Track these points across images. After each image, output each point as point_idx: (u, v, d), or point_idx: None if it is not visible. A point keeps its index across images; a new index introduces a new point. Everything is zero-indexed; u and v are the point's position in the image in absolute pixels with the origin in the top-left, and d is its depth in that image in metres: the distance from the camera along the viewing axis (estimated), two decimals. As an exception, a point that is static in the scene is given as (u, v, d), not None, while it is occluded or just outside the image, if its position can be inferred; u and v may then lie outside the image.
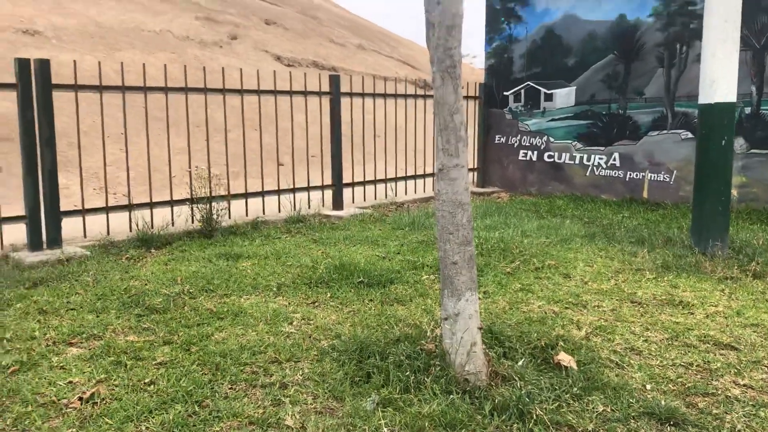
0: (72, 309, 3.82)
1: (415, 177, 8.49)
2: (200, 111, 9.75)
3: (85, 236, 5.50)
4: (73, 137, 9.54)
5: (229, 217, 6.38)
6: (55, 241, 5.12)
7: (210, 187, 6.07)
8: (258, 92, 6.55)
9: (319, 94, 7.14)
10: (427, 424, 2.42)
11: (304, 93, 6.95)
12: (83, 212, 5.45)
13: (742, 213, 7.02)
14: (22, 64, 4.89)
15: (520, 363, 2.91)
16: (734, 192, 7.17)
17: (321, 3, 29.19)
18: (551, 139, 8.78)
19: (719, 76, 4.99)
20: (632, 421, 2.51)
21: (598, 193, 8.35)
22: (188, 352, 3.16)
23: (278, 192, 6.90)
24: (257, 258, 5.10)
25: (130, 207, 5.72)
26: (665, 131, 7.81)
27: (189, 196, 6.13)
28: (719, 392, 2.78)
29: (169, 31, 17.19)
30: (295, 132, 7.34)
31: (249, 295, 4.16)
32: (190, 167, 6.08)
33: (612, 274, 4.72)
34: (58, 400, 2.66)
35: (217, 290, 4.22)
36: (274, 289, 4.29)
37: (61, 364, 3.02)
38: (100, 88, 5.39)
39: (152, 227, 5.72)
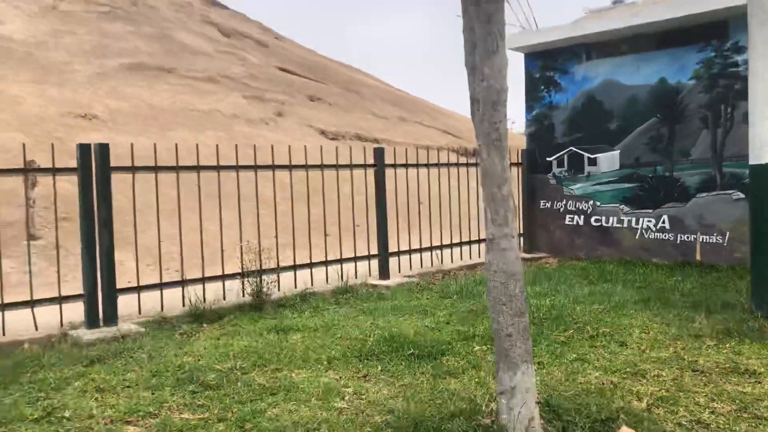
0: (128, 386, 3.88)
1: (461, 244, 8.49)
2: (248, 185, 10.01)
3: (139, 312, 5.62)
4: (127, 215, 9.86)
5: (279, 290, 6.44)
6: (112, 318, 5.25)
7: (260, 261, 6.17)
8: (306, 167, 6.72)
9: (365, 166, 7.29)
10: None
11: (350, 166, 7.10)
12: (138, 289, 5.59)
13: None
14: (83, 150, 5.15)
15: (580, 437, 2.82)
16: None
17: (362, 78, 30.05)
18: (597, 203, 8.71)
19: (768, 136, 4.93)
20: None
21: (649, 257, 8.19)
22: (242, 429, 3.16)
23: (326, 263, 6.97)
24: (307, 331, 5.12)
25: (183, 283, 5.84)
26: (715, 192, 7.69)
27: (240, 270, 6.23)
28: (796, 467, 2.64)
29: (218, 111, 17.88)
30: (341, 203, 7.46)
31: (300, 369, 4.16)
32: (241, 241, 6.21)
33: (670, 341, 4.58)
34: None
35: (268, 365, 4.23)
36: (325, 362, 4.28)
37: (119, 443, 3.05)
38: (156, 169, 5.61)
39: (204, 302, 5.81)
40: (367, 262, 7.42)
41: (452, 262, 8.37)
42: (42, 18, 21.28)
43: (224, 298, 6.08)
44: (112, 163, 5.36)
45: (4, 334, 4.92)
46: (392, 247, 7.65)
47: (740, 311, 5.20)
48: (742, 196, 7.41)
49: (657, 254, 8.14)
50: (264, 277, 6.11)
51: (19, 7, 21.33)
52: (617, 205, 8.53)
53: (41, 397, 3.72)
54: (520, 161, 9.40)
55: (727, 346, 4.39)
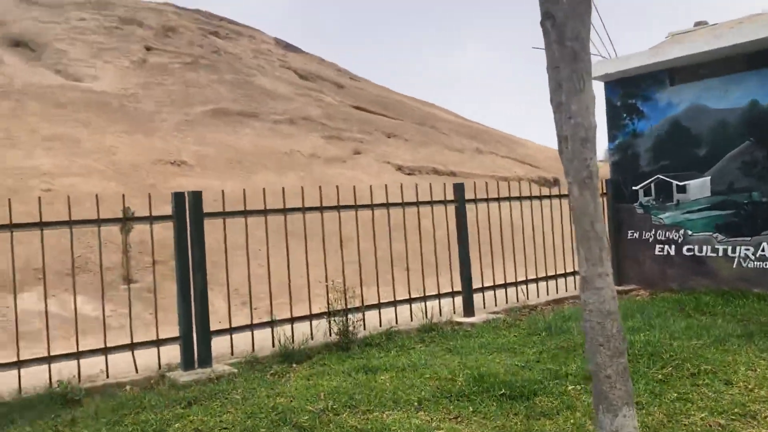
0: (225, 428, 3.97)
1: (546, 278, 8.32)
2: (329, 223, 10.20)
3: (232, 353, 5.77)
4: (216, 257, 10.21)
5: (364, 328, 6.48)
6: (206, 360, 5.41)
7: (345, 300, 6.24)
8: (387, 206, 6.80)
9: (445, 202, 7.30)
10: None
11: (431, 203, 7.13)
12: (230, 331, 5.75)
13: None
14: (178, 198, 5.40)
15: (690, 485, 2.69)
16: None
17: (437, 112, 30.25)
18: (689, 232, 8.37)
19: None
20: None
21: (749, 287, 7.77)
22: (338, 472, 3.17)
23: (409, 301, 6.97)
24: (395, 370, 5.11)
25: (272, 323, 5.97)
26: (819, 216, 7.25)
27: (326, 309, 6.32)
28: None
29: (298, 151, 18.37)
30: (422, 238, 7.48)
31: (390, 410, 4.15)
32: (326, 280, 6.31)
33: (780, 378, 4.31)
34: None
35: (359, 406, 4.25)
36: (415, 403, 4.26)
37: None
38: (245, 213, 5.81)
39: (293, 342, 5.91)
40: (450, 298, 7.37)
41: (538, 297, 8.20)
42: (132, 71, 22.61)
43: (312, 338, 6.17)
44: (203, 208, 5.58)
45: (107, 376, 5.16)
46: (476, 283, 7.58)
47: None
48: None
49: (758, 284, 7.72)
50: (349, 316, 6.17)
51: (112, 62, 22.74)
52: (710, 233, 8.18)
53: (144, 438, 3.86)
54: (604, 191, 9.18)
55: None
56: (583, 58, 2.69)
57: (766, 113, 7.68)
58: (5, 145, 14.68)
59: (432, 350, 5.80)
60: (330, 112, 23.20)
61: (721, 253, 8.08)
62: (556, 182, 20.87)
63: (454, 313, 7.36)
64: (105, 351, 5.17)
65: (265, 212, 5.98)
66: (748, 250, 7.83)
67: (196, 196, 5.50)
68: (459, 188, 7.41)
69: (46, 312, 5.09)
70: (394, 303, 6.83)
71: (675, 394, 4.08)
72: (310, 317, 6.23)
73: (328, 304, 6.25)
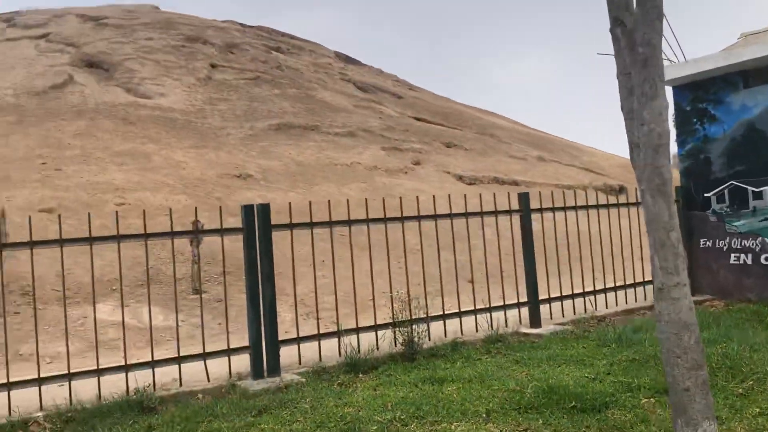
0: (295, 437, 4.03)
1: (615, 289, 8.12)
2: (391, 234, 10.24)
3: (299, 363, 5.85)
4: (280, 269, 10.39)
5: (429, 339, 6.47)
6: (275, 369, 5.51)
7: (410, 310, 6.24)
8: (450, 216, 6.79)
9: (509, 212, 7.23)
10: None
11: (495, 213, 7.07)
12: (298, 340, 5.84)
13: None
14: (247, 211, 5.53)
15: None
16: None
17: (497, 121, 30.03)
18: (767, 240, 8.04)
19: None
20: None
21: (833, 297, 7.39)
22: (409, 483, 3.17)
23: (474, 312, 6.92)
24: (461, 381, 5.08)
25: (338, 333, 6.03)
26: None
27: (390, 320, 6.34)
28: None
29: (359, 163, 18.54)
30: (486, 248, 7.42)
31: (459, 421, 4.13)
32: (390, 291, 6.33)
33: None
34: None
35: (427, 417, 4.24)
36: (483, 415, 4.23)
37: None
38: (311, 225, 5.90)
39: (359, 352, 5.95)
40: (516, 309, 7.28)
41: (606, 307, 8.00)
42: (198, 88, 23.32)
43: (377, 348, 6.19)
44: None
45: (180, 385, 5.31)
46: (541, 294, 7.47)
47: None
48: None
49: (842, 294, 7.34)
50: (414, 326, 6.17)
51: (180, 80, 23.52)
52: (790, 240, 7.82)
53: (218, 446, 3.95)
54: (676, 198, 8.91)
55: None
56: (654, 63, 2.64)
57: None
58: (80, 161, 15.36)
59: (498, 362, 5.74)
60: (389, 123, 23.36)
61: (801, 262, 7.72)
62: (622, 190, 20.38)
63: (520, 324, 7.26)
64: (178, 360, 5.33)
65: (330, 224, 6.06)
66: (831, 258, 7.45)
67: (265, 208, 5.62)
68: (524, 197, 7.33)
69: (123, 323, 5.29)
70: (459, 314, 6.79)
71: (757, 410, 3.91)
72: (375, 327, 6.26)
73: (393, 314, 6.27)
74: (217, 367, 5.65)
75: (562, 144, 27.36)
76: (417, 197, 6.97)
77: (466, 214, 6.89)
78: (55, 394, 5.00)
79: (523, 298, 7.34)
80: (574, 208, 7.74)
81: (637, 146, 2.76)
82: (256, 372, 5.47)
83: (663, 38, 2.74)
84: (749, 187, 8.20)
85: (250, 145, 18.61)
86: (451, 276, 9.05)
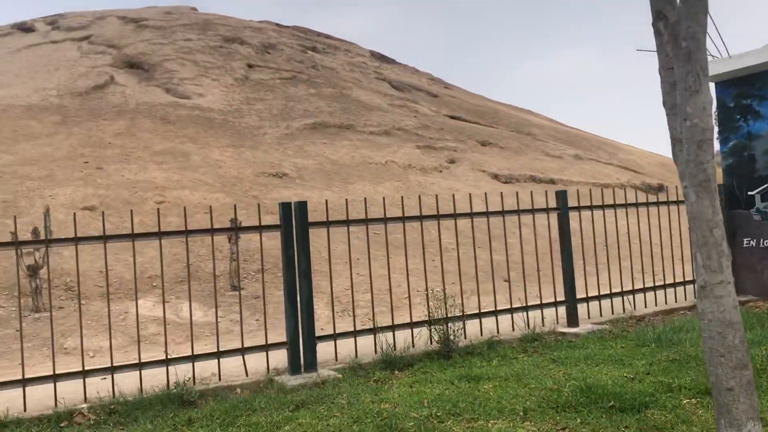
0: (332, 432, 4.07)
1: (654, 288, 7.99)
2: (426, 232, 10.25)
3: (336, 359, 5.89)
4: (317, 266, 10.48)
5: (465, 337, 6.45)
6: (312, 365, 5.56)
7: (446, 308, 6.24)
8: (486, 214, 6.76)
9: (547, 210, 7.17)
10: None
11: (532, 211, 7.02)
12: (334, 337, 5.88)
13: None
14: (285, 208, 5.59)
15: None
16: None
17: (533, 119, 29.77)
18: (813, 239, 7.82)
19: None
20: None
21: None
22: (446, 479, 3.17)
23: (511, 310, 6.88)
24: (498, 380, 5.06)
25: (374, 330, 6.06)
26: None
27: (426, 317, 6.34)
28: None
29: (393, 162, 18.56)
30: (521, 247, 7.37)
31: (496, 419, 4.12)
32: (426, 289, 6.33)
33: None
34: None
35: (463, 414, 4.23)
36: (521, 413, 4.20)
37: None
38: (347, 222, 5.93)
39: (395, 349, 5.97)
40: (553, 308, 7.22)
41: (646, 307, 7.88)
42: (236, 88, 23.61)
43: (413, 346, 6.20)
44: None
45: (219, 379, 5.39)
46: (579, 293, 7.39)
47: None
48: None
49: None
50: (450, 324, 6.16)
51: (218, 80, 23.84)
52: (838, 240, 7.60)
53: (256, 439, 4.01)
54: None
55: None
56: (698, 57, 2.60)
57: None
58: (121, 160, 15.69)
59: (535, 360, 5.70)
60: (424, 122, 23.33)
61: None
62: (661, 188, 20.04)
63: (557, 323, 7.20)
64: (218, 355, 5.42)
65: (366, 221, 6.08)
66: None
67: (302, 206, 5.67)
68: (562, 195, 7.26)
69: (164, 318, 5.39)
70: (495, 312, 6.76)
71: (803, 412, 3.82)
72: (411, 325, 6.27)
73: (429, 312, 6.27)
74: (255, 362, 5.72)
75: (599, 142, 27.00)
76: (453, 195, 6.96)
77: (503, 213, 6.85)
78: (99, 387, 5.13)
79: (560, 297, 7.27)
80: (613, 206, 7.63)
81: (680, 142, 2.72)
82: (294, 367, 5.53)
83: (707, 33, 2.69)
84: (795, 185, 8.00)
85: (286, 144, 18.78)
86: (486, 275, 9.02)
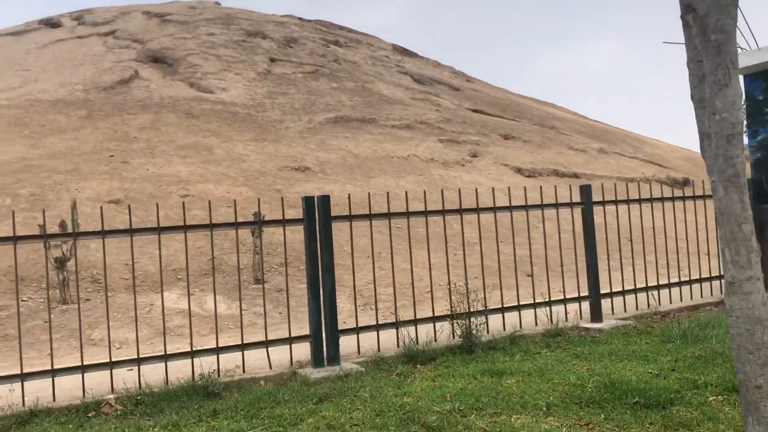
0: (355, 425, 4.09)
1: (680, 284, 7.90)
2: (448, 227, 10.22)
3: (358, 353, 5.92)
4: (338, 260, 10.52)
5: (488, 332, 6.44)
6: (335, 358, 5.59)
7: (468, 303, 6.23)
8: (510, 208, 6.73)
9: (571, 205, 7.12)
10: None
11: (556, 205, 6.97)
12: (357, 330, 5.90)
13: None
14: (308, 202, 5.61)
15: None
16: None
17: (557, 112, 29.53)
18: (844, 235, 7.67)
19: None
20: None
21: None
22: (469, 473, 3.18)
23: (534, 305, 6.85)
24: (521, 375, 5.05)
25: (397, 324, 6.07)
26: None
27: (448, 312, 6.34)
28: None
29: (415, 155, 18.54)
30: (543, 242, 7.33)
31: (519, 414, 4.11)
32: (449, 283, 6.33)
33: None
34: None
35: (486, 408, 4.23)
36: (544, 408, 4.19)
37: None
38: (370, 216, 5.94)
39: (417, 343, 5.98)
40: (576, 304, 7.17)
41: (670, 303, 7.80)
42: (259, 82, 23.72)
43: (435, 340, 6.20)
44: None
45: (244, 372, 5.45)
46: (603, 288, 7.33)
47: None
48: None
49: None
50: (472, 319, 6.15)
51: (241, 74, 23.97)
52: None
53: (280, 431, 4.05)
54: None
55: None
56: (728, 50, 2.56)
57: None
58: (146, 154, 15.86)
59: (558, 356, 5.68)
60: (446, 115, 23.26)
61: None
62: (686, 182, 19.79)
63: (581, 318, 7.15)
64: (242, 347, 5.47)
65: (388, 215, 6.09)
66: None
67: (325, 200, 5.69)
68: (586, 190, 7.20)
69: (190, 311, 5.45)
70: (518, 307, 6.74)
71: (832, 410, 3.76)
72: (433, 319, 6.27)
73: (451, 306, 6.27)
74: (278, 354, 5.77)
75: (623, 135, 26.71)
76: (476, 189, 6.93)
77: (527, 207, 6.82)
78: (125, 378, 5.21)
79: (584, 292, 7.22)
80: (638, 200, 7.56)
81: (708, 136, 2.68)
82: (317, 360, 5.56)
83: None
84: (825, 180, 7.85)
85: (308, 138, 18.84)
86: (509, 269, 8.99)
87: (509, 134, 22.08)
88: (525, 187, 6.95)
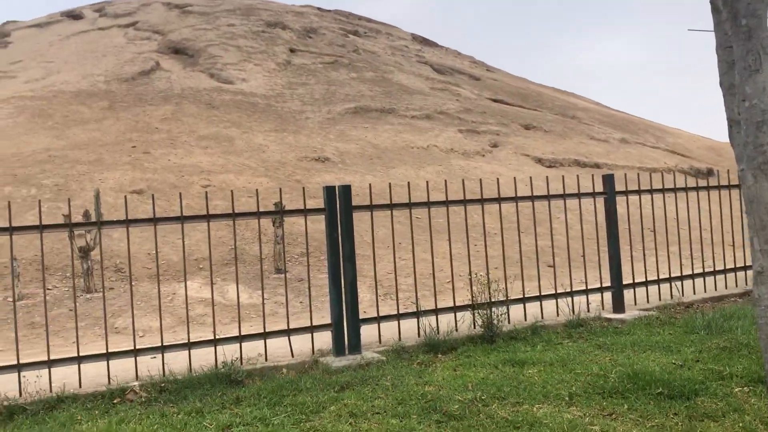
0: (377, 413, 4.10)
1: (704, 275, 7.80)
2: (468, 217, 10.18)
3: (379, 342, 5.94)
4: (359, 250, 10.55)
5: (509, 322, 6.42)
6: (356, 347, 5.61)
7: (489, 293, 6.21)
8: (532, 198, 6.69)
9: (593, 194, 7.06)
10: None
11: (578, 195, 6.92)
12: (378, 320, 5.92)
13: None
14: (329, 192, 5.62)
15: None
16: None
17: (578, 102, 29.26)
18: None
19: None
20: None
21: None
22: (492, 462, 3.18)
23: (555, 296, 6.82)
24: (543, 365, 5.03)
25: (417, 314, 6.08)
26: None
27: (469, 302, 6.33)
28: None
29: (435, 146, 18.48)
30: (565, 232, 7.28)
31: (541, 403, 4.10)
32: (470, 273, 6.32)
33: None
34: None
35: (508, 398, 4.23)
36: (566, 398, 4.18)
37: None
38: (391, 206, 5.94)
39: (438, 332, 5.98)
40: (598, 294, 7.12)
41: (694, 294, 7.72)
42: (278, 73, 23.77)
43: (456, 330, 6.20)
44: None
45: (266, 360, 5.49)
46: (625, 279, 7.27)
47: None
48: None
49: None
50: (493, 309, 6.13)
51: (261, 65, 24.02)
52: None
53: (302, 419, 4.07)
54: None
55: None
56: (759, 35, 2.51)
57: None
58: (168, 144, 15.98)
59: (580, 346, 5.65)
60: (466, 105, 23.14)
61: None
62: (710, 172, 19.53)
63: (603, 309, 7.10)
64: (264, 336, 5.51)
65: (409, 205, 6.08)
66: None
67: (346, 189, 5.70)
68: (609, 180, 7.13)
69: (213, 300, 5.50)
70: (539, 297, 6.71)
71: None
72: (455, 309, 6.27)
73: (472, 296, 6.26)
74: (299, 343, 5.80)
75: (646, 125, 26.41)
76: (497, 179, 6.90)
77: (549, 197, 6.77)
78: (149, 365, 5.27)
79: (606, 283, 7.17)
80: (662, 190, 7.47)
81: (737, 123, 2.64)
82: (338, 349, 5.59)
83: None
84: None
85: (327, 129, 18.86)
86: (530, 260, 8.94)
87: (530, 124, 21.93)
88: (547, 177, 6.91)
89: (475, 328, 6.25)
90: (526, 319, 6.59)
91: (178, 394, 4.82)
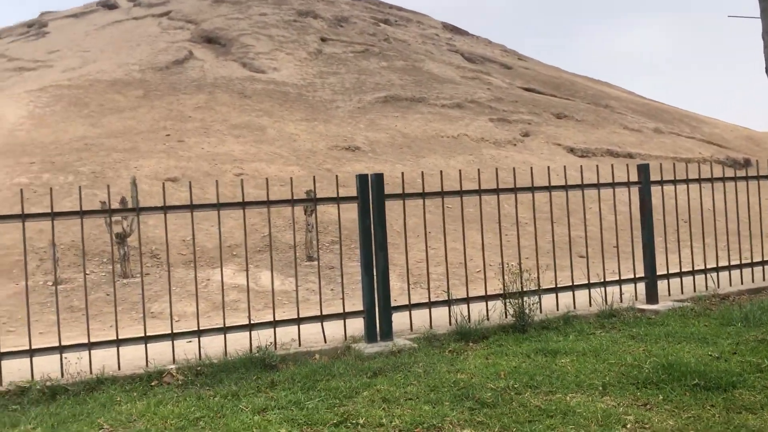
0: (410, 399, 4.14)
1: (741, 266, 7.68)
2: (500, 206, 10.14)
3: (411, 329, 5.97)
4: (390, 238, 10.57)
5: (540, 311, 6.40)
6: (387, 334, 5.65)
7: (521, 282, 6.20)
8: (566, 188, 6.64)
9: (628, 184, 6.98)
10: None
11: (612, 185, 6.85)
12: (409, 307, 5.95)
13: None
14: (362, 180, 5.65)
15: None
16: None
17: (611, 91, 28.84)
18: None
19: None
20: None
21: None
22: (525, 449, 3.20)
23: (588, 286, 6.78)
24: (575, 354, 5.02)
25: (449, 302, 6.09)
26: None
27: (501, 291, 6.33)
28: None
29: (466, 135, 18.40)
30: (597, 222, 7.21)
31: (574, 393, 4.10)
32: (502, 262, 6.31)
33: None
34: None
35: (541, 386, 4.23)
36: (599, 388, 4.17)
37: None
38: (423, 195, 5.96)
39: (469, 321, 5.99)
40: (632, 285, 7.05)
41: (730, 285, 7.59)
42: (310, 62, 23.84)
43: (488, 319, 6.20)
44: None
45: (300, 345, 5.56)
46: (659, 269, 7.19)
47: None
48: None
49: None
50: (525, 298, 6.12)
51: (292, 54, 24.12)
52: None
53: (336, 403, 4.13)
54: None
55: None
56: (806, 21, 2.46)
57: None
58: (201, 133, 16.16)
59: (613, 336, 5.61)
60: (497, 94, 22.97)
61: None
62: (747, 163, 19.13)
63: (636, 299, 7.03)
64: (298, 321, 5.58)
65: (441, 194, 6.09)
66: None
67: (379, 178, 5.73)
68: (644, 169, 7.05)
69: (248, 285, 5.58)
70: (572, 287, 6.68)
71: None
72: (486, 298, 6.27)
73: (504, 285, 6.25)
74: (330, 330, 5.86)
75: (680, 115, 25.93)
76: (531, 168, 6.87)
77: (582, 186, 6.72)
78: (185, 349, 5.38)
79: (639, 274, 7.10)
80: (698, 180, 7.36)
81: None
82: (370, 336, 5.64)
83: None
84: None
85: (358, 118, 18.89)
86: (562, 251, 8.89)
87: (562, 113, 21.69)
88: (581, 166, 6.85)
89: (506, 317, 6.25)
90: (558, 309, 6.57)
91: (214, 377, 4.92)
